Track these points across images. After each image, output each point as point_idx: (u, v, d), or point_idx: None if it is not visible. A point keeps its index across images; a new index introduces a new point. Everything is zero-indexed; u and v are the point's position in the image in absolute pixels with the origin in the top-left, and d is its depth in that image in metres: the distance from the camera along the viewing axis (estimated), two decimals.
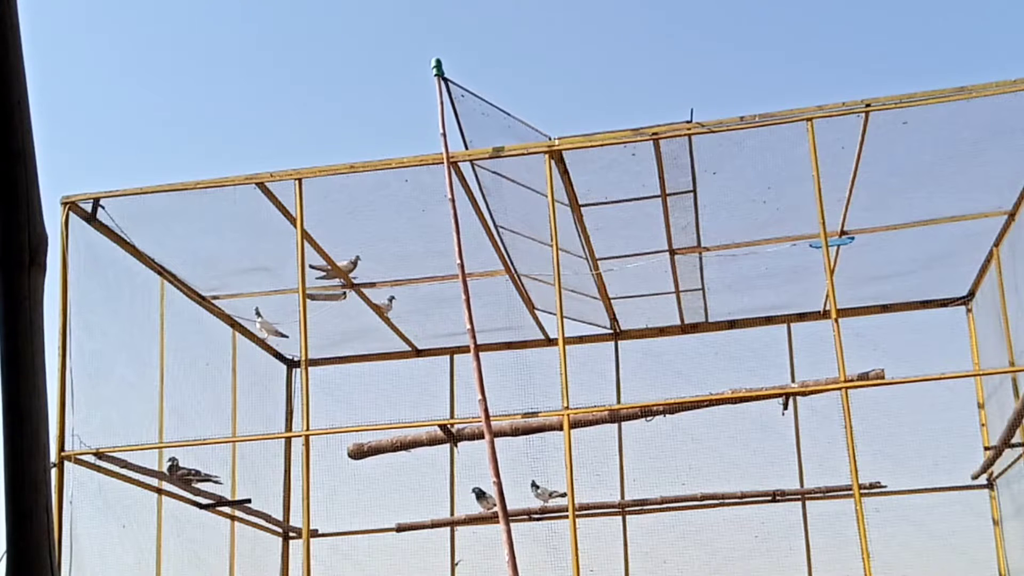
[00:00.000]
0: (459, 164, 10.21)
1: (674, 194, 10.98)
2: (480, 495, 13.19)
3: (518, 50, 26.00)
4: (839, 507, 12.79)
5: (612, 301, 13.39)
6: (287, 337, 13.27)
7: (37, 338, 2.13)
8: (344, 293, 12.66)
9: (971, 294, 13.47)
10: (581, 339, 14.22)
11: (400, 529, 13.54)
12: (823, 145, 9.75)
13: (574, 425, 10.22)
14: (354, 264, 12.07)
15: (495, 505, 12.96)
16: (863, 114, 9.53)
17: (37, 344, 2.13)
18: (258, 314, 12.79)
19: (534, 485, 12.90)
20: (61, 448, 10.18)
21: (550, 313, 13.06)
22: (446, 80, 9.80)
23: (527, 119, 10.28)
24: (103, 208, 10.74)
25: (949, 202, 11.22)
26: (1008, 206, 11.33)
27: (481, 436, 10.13)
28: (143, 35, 25.53)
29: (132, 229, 11.10)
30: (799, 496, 13.29)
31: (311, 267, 11.72)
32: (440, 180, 10.03)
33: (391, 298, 12.92)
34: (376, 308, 13.13)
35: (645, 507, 13.30)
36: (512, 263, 12.07)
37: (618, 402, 13.28)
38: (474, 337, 9.63)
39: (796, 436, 13.48)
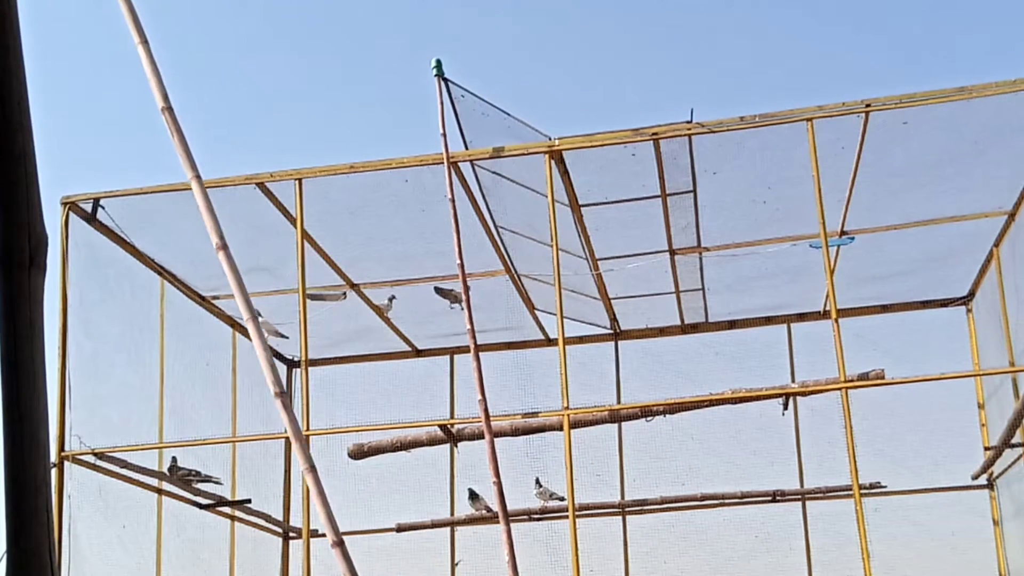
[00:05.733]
0: (459, 164, 10.21)
1: (674, 194, 10.98)
2: (473, 497, 13.19)
3: (518, 50, 26.00)
4: (839, 507, 12.79)
5: (612, 301, 13.39)
6: (287, 338, 13.27)
7: (37, 338, 2.13)
8: (344, 293, 12.66)
9: (971, 294, 13.46)
10: (581, 339, 14.21)
11: (400, 529, 13.54)
12: (823, 145, 9.74)
13: (574, 425, 10.21)
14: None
15: (486, 508, 13.00)
16: (863, 114, 9.53)
17: (37, 344, 2.13)
18: (259, 314, 12.77)
19: (537, 482, 12.90)
20: (61, 448, 10.18)
21: (550, 313, 13.06)
22: (446, 80, 9.80)
23: (527, 119, 10.28)
24: (103, 208, 10.74)
25: (949, 202, 11.22)
26: (1008, 206, 11.33)
27: (481, 436, 10.12)
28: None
29: (132, 229, 11.10)
30: (799, 496, 13.29)
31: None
32: (440, 180, 10.03)
33: (391, 298, 12.92)
34: (376, 308, 13.13)
35: (645, 507, 13.30)
36: (512, 263, 12.07)
37: (618, 402, 13.28)
38: (474, 337, 9.63)
39: (796, 436, 13.48)
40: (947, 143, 10.24)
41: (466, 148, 10.21)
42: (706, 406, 11.61)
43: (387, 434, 12.62)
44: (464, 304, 9.73)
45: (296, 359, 14.37)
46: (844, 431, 9.53)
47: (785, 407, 11.58)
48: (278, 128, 25.97)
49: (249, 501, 12.41)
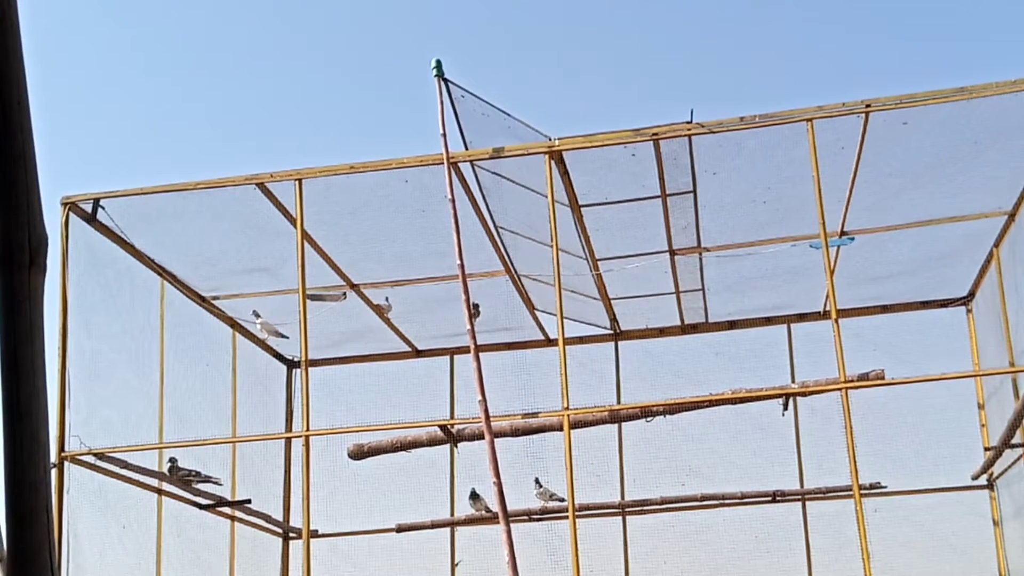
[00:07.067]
0: (459, 164, 10.21)
1: (674, 194, 10.98)
2: (474, 497, 13.18)
3: (518, 50, 26.01)
4: (839, 507, 12.79)
5: (612, 301, 13.39)
6: (287, 338, 13.26)
7: (37, 338, 2.13)
8: (344, 293, 12.66)
9: (971, 294, 13.46)
10: (581, 339, 14.21)
11: (400, 529, 13.53)
12: (823, 145, 9.74)
13: (574, 425, 10.21)
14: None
15: (486, 508, 12.99)
16: (863, 114, 9.53)
17: (37, 344, 2.13)
18: (256, 315, 12.79)
19: (537, 482, 12.90)
20: (61, 448, 10.18)
21: (550, 313, 13.06)
22: (446, 81, 9.80)
23: (527, 119, 10.28)
24: (103, 208, 10.74)
25: (949, 202, 11.22)
26: (1008, 206, 11.33)
27: (481, 436, 10.13)
28: (143, 35, 25.54)
29: (132, 229, 11.10)
30: (799, 496, 13.29)
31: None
32: (440, 180, 10.03)
33: (386, 299, 12.93)
34: (376, 308, 13.13)
35: (645, 507, 13.29)
36: (512, 263, 12.07)
37: (618, 402, 13.27)
38: (474, 337, 9.63)
39: (796, 436, 13.47)
40: (947, 143, 10.24)
41: (466, 148, 10.20)
42: (706, 406, 11.60)
43: (387, 434, 12.62)
44: (465, 302, 9.73)
45: (296, 359, 14.36)
46: (844, 431, 9.53)
47: (785, 407, 11.57)
48: (278, 128, 25.99)
49: (249, 501, 12.41)
